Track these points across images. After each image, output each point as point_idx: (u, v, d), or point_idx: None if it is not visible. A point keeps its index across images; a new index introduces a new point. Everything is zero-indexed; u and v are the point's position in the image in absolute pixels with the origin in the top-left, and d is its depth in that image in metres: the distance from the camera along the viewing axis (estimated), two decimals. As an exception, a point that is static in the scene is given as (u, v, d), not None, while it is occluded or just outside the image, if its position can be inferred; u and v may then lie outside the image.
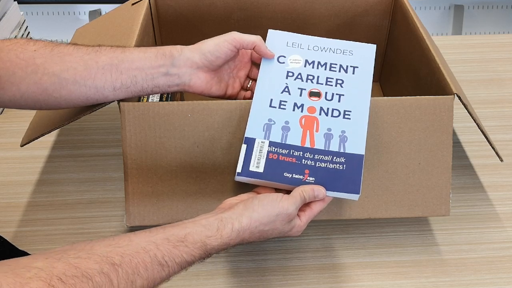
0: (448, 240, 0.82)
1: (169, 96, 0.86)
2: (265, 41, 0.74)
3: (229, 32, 0.71)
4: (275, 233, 0.63)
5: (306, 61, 0.74)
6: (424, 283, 0.76)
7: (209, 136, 0.72)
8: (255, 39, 0.71)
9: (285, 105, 0.70)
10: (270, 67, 0.73)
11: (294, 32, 0.77)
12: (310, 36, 0.77)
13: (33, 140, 0.77)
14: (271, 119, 0.69)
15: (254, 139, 0.68)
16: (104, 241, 0.52)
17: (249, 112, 0.70)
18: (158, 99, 0.84)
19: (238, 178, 0.66)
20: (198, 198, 0.73)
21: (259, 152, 0.67)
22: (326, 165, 0.66)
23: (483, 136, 0.75)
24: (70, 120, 0.73)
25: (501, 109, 1.08)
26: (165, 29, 1.02)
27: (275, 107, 0.70)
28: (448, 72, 0.79)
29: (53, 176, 0.93)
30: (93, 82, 0.66)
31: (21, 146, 0.80)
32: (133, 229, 0.83)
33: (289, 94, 0.71)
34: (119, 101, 0.71)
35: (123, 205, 0.73)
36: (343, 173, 0.66)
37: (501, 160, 0.78)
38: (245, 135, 0.68)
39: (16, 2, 1.17)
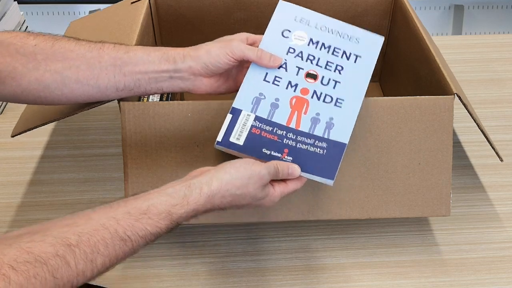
0: (448, 240, 0.82)
1: (169, 96, 0.86)
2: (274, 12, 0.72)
3: (232, 41, 0.69)
4: (248, 199, 0.62)
5: (311, 40, 0.72)
6: (424, 283, 0.76)
7: (209, 136, 0.72)
8: (255, 56, 0.69)
9: (279, 81, 0.69)
10: (273, 40, 0.72)
11: None
12: (320, 14, 0.75)
13: (26, 131, 0.76)
14: (262, 93, 0.68)
15: (241, 110, 0.67)
16: (61, 221, 0.51)
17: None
18: (158, 99, 0.84)
19: (217, 147, 0.66)
20: (198, 198, 0.73)
21: (243, 124, 0.67)
22: (307, 148, 0.66)
23: (483, 136, 0.75)
24: (65, 115, 0.72)
25: (501, 109, 1.08)
26: (165, 29, 1.02)
27: (269, 82, 0.69)
28: (448, 72, 0.79)
29: (53, 176, 0.93)
30: (96, 82, 0.66)
31: (12, 136, 0.79)
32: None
33: (286, 71, 0.70)
34: (119, 100, 0.71)
35: (123, 205, 0.73)
36: (321, 157, 0.66)
37: (501, 160, 0.78)
38: (233, 105, 0.67)
39: (16, 2, 1.17)
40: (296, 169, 0.65)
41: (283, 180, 0.66)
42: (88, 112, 1.01)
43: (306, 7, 1.04)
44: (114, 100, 0.70)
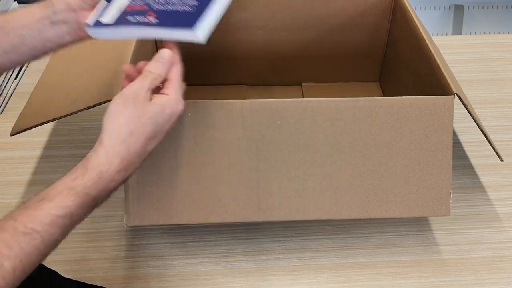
0: (448, 240, 0.82)
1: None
2: None
3: None
4: (149, 122, 0.55)
5: None
6: (424, 283, 0.76)
7: (209, 135, 0.72)
8: None
9: None
10: None
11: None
12: None
13: (25, 130, 0.76)
14: None
15: None
16: None
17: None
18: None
19: (90, 32, 0.63)
20: (197, 198, 0.73)
21: (117, 6, 0.63)
22: (177, 9, 0.61)
23: (483, 136, 0.75)
24: (65, 115, 0.72)
25: (501, 109, 1.08)
26: (165, 29, 1.02)
27: None
28: (448, 72, 0.79)
29: (53, 176, 0.93)
30: None
31: (11, 135, 0.79)
32: (133, 229, 0.83)
33: None
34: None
35: (123, 205, 0.73)
36: (190, 14, 0.59)
37: (501, 160, 0.78)
38: None
39: (16, 2, 1.17)
40: (163, 51, 0.58)
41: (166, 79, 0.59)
42: (88, 112, 1.01)
43: (306, 8, 1.04)
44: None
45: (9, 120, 1.05)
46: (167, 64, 0.58)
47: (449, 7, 2.14)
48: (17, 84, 1.15)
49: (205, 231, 0.83)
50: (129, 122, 0.54)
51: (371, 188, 0.74)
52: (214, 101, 0.72)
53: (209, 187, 0.73)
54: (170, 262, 0.79)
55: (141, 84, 0.56)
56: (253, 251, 0.80)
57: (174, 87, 0.58)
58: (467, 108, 0.74)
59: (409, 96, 0.73)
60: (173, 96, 0.57)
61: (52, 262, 0.76)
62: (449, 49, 1.23)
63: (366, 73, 1.10)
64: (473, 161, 0.96)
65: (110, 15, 0.63)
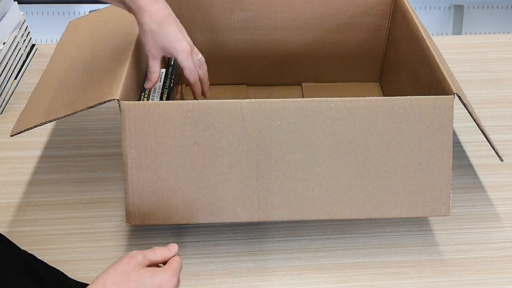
0: (448, 240, 0.82)
1: (169, 95, 0.86)
2: None
3: None
4: (135, 278, 0.58)
5: None
6: (424, 283, 0.76)
7: (209, 136, 0.72)
8: None
9: None
10: None
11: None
12: None
13: (25, 130, 0.76)
14: None
15: None
16: None
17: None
18: (159, 99, 0.85)
19: None
20: (197, 198, 0.73)
21: None
22: None
23: (483, 136, 0.75)
24: (65, 115, 0.72)
25: (501, 109, 1.08)
26: (165, 29, 1.02)
27: None
28: (448, 72, 0.79)
29: (53, 176, 0.93)
30: None
31: (11, 136, 0.79)
32: (133, 229, 0.83)
33: None
34: (119, 100, 0.71)
35: (123, 205, 0.73)
36: None
37: (501, 160, 0.78)
38: None
39: (16, 2, 1.18)
40: (173, 246, 0.64)
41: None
42: (88, 112, 1.02)
43: (307, 8, 1.04)
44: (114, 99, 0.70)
45: (9, 120, 1.05)
46: (172, 253, 0.63)
47: (449, 7, 2.14)
48: (17, 84, 1.15)
49: (205, 231, 0.83)
50: (115, 271, 0.58)
51: (371, 188, 0.74)
52: (214, 101, 0.72)
53: (209, 187, 0.73)
54: (170, 262, 0.79)
55: (141, 251, 0.61)
56: (253, 251, 0.80)
57: (172, 267, 0.61)
58: (467, 108, 0.74)
59: (409, 96, 0.73)
60: (169, 270, 0.60)
61: (53, 262, 0.76)
62: (449, 49, 1.23)
63: (366, 73, 1.11)
64: (473, 161, 0.96)
65: None
